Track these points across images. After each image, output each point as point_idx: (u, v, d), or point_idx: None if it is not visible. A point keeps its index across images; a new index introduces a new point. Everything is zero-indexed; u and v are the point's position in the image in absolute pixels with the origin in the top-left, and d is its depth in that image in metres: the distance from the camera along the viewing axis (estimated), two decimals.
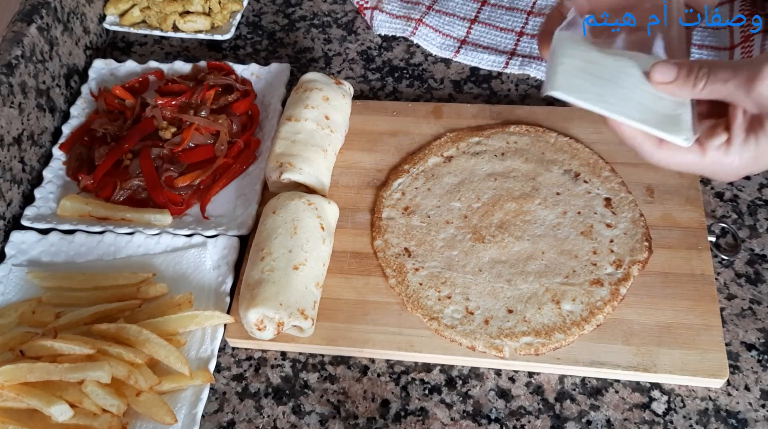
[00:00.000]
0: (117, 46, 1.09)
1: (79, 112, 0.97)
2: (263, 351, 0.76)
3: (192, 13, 1.07)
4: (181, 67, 1.01)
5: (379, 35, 1.06)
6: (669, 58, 0.61)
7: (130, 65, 1.02)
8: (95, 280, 0.79)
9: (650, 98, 0.59)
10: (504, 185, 0.83)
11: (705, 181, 0.84)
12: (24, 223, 0.86)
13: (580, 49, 0.61)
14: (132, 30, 1.08)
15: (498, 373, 0.73)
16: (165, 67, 1.01)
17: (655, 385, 0.71)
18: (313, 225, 0.77)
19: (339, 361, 0.75)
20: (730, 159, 0.58)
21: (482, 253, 0.78)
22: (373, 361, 0.74)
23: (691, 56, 0.94)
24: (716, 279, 0.76)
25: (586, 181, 0.83)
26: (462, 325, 0.73)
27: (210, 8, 1.07)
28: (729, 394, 0.70)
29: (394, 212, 0.83)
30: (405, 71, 1.01)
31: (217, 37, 1.05)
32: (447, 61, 1.01)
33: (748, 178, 0.84)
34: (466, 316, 0.74)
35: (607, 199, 0.81)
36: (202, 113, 0.90)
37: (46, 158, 0.93)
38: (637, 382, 0.71)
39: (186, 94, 0.92)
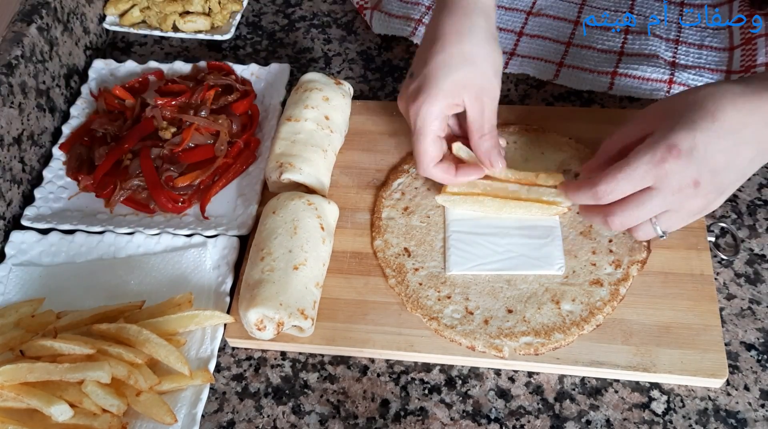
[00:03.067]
0: (117, 46, 1.09)
1: (79, 112, 0.97)
2: (263, 351, 0.76)
3: (192, 13, 1.07)
4: (181, 67, 1.01)
5: (379, 35, 1.06)
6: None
7: (130, 65, 1.02)
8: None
9: (522, 246, 0.76)
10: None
11: None
12: (24, 223, 0.86)
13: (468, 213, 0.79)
14: (132, 30, 1.08)
15: (498, 373, 0.73)
16: (165, 67, 1.01)
17: (655, 385, 0.71)
18: (313, 225, 0.77)
19: (339, 361, 0.75)
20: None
21: None
22: (372, 361, 0.74)
23: (690, 56, 0.96)
24: (716, 279, 0.76)
25: None
26: (462, 325, 0.73)
27: (210, 8, 1.07)
28: (728, 394, 0.70)
29: (394, 212, 0.83)
30: (405, 71, 1.01)
31: (217, 37, 1.06)
32: None
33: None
34: (465, 316, 0.74)
35: None
36: (202, 113, 0.90)
37: (46, 158, 0.93)
38: (637, 382, 0.71)
39: (186, 94, 0.92)
